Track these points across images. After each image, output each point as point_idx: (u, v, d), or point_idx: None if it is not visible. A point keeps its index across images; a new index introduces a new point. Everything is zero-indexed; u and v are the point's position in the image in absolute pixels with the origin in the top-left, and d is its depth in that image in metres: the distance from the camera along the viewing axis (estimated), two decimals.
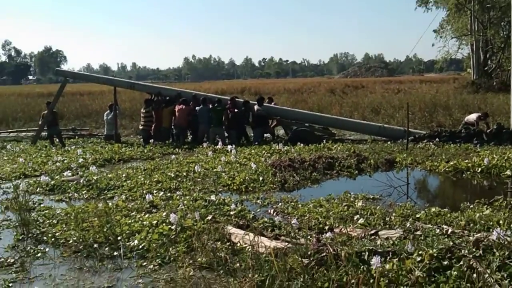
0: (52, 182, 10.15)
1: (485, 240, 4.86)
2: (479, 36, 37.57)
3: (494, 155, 11.04)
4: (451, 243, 4.88)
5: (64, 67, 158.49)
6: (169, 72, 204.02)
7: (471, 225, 6.16)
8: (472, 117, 15.54)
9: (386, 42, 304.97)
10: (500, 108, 19.80)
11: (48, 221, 7.28)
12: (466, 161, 10.76)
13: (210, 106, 16.47)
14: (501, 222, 6.10)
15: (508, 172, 9.88)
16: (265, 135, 16.82)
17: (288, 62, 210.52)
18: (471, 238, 5.07)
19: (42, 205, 8.47)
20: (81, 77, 27.69)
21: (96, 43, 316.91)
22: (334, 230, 6.10)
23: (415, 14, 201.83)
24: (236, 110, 16.39)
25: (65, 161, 12.95)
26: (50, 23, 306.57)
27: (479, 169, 10.24)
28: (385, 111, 21.57)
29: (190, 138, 17.20)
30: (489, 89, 32.46)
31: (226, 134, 16.32)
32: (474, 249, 4.71)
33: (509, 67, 36.44)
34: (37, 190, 9.80)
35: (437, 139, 14.13)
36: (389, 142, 14.68)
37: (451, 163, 10.68)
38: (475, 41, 37.91)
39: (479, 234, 5.21)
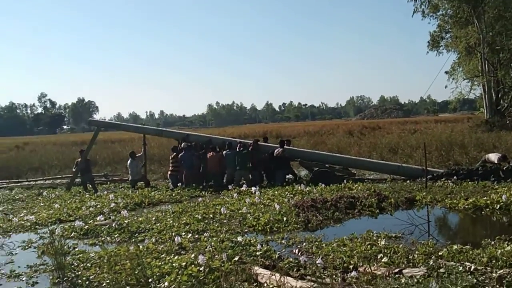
0: (86, 227, 10.20)
1: (508, 277, 4.74)
2: (490, 77, 37.41)
3: None
4: (475, 280, 4.77)
5: (96, 116, 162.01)
6: (195, 118, 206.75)
7: (493, 261, 5.99)
8: (493, 157, 15.19)
9: (400, 84, 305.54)
10: None
11: (82, 265, 7.28)
12: (485, 198, 10.55)
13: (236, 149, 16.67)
14: None
15: None
16: (287, 176, 16.77)
17: (307, 105, 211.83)
18: (494, 274, 4.94)
19: (76, 249, 8.50)
20: (112, 126, 28.04)
21: (126, 93, 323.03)
22: (359, 269, 5.99)
23: (428, 57, 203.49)
24: (262, 153, 16.61)
25: (98, 206, 13.05)
26: (83, 76, 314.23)
27: (498, 206, 10.00)
28: (403, 150, 21.38)
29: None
30: (502, 127, 32.07)
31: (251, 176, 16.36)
32: (497, 286, 4.59)
33: None
34: (72, 235, 9.84)
35: (455, 177, 13.92)
36: (408, 181, 14.52)
37: (470, 200, 10.48)
38: (487, 81, 37.72)
39: (502, 271, 5.08)
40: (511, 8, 34.67)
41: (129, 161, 18.34)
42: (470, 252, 6.47)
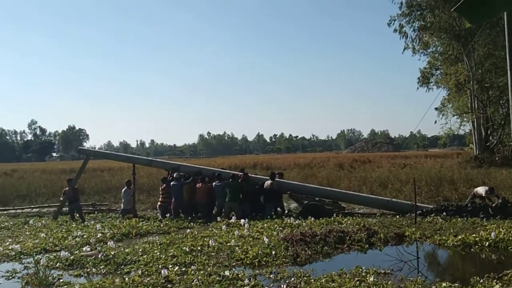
0: (72, 257, 10.05)
1: None
2: (480, 114, 37.90)
3: (501, 229, 10.83)
4: None
5: (86, 144, 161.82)
6: (185, 148, 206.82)
7: None
8: (481, 190, 15.30)
9: (391, 118, 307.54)
10: (504, 182, 19.64)
11: None
12: (474, 235, 10.54)
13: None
14: None
15: None
16: (277, 209, 16.71)
17: (298, 137, 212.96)
18: None
19: (61, 280, 8.34)
20: (102, 156, 27.89)
21: (116, 121, 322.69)
22: None
23: (418, 93, 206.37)
24: (252, 185, 16.65)
25: (85, 236, 12.89)
26: (73, 104, 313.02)
27: (487, 243, 10.00)
28: (392, 185, 21.44)
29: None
30: (491, 163, 32.33)
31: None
32: None
33: (510, 143, 36.53)
34: (57, 265, 9.67)
35: (444, 213, 13.93)
36: (397, 216, 14.51)
37: (459, 237, 10.47)
38: (476, 118, 38.21)
39: None
40: (500, 46, 35.36)
41: (124, 189, 18.27)
42: None
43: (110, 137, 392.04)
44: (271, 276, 8.10)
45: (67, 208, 18.24)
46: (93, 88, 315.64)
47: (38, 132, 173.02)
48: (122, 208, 18.19)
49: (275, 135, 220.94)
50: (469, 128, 42.90)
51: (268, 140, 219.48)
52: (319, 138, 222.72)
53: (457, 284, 6.73)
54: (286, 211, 17.12)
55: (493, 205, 14.01)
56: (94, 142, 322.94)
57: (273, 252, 9.64)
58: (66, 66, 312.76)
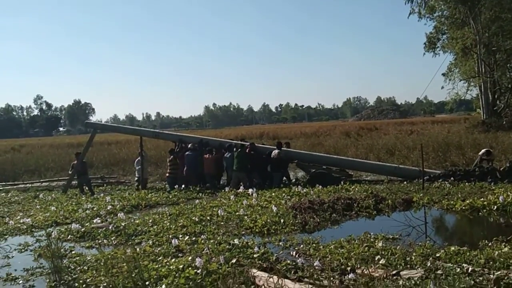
0: (83, 229, 10.18)
1: (505, 278, 4.74)
2: (487, 78, 37.53)
3: (509, 193, 10.80)
4: (472, 282, 4.77)
5: (93, 118, 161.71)
6: (191, 120, 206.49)
7: (491, 263, 5.99)
8: (481, 152, 15.44)
9: (397, 85, 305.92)
10: (511, 146, 19.55)
11: (79, 268, 7.25)
12: (482, 199, 10.55)
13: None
14: None
15: None
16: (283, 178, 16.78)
17: (304, 107, 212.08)
18: (491, 276, 4.94)
19: (73, 252, 8.46)
20: (109, 129, 27.99)
21: (122, 95, 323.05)
22: (356, 271, 5.98)
23: (424, 58, 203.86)
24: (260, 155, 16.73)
25: (95, 209, 13.02)
26: (78, 78, 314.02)
27: (495, 207, 10.02)
28: (400, 152, 21.42)
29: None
30: (499, 128, 32.18)
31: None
32: (495, 287, 4.59)
33: None
34: (69, 238, 9.80)
35: (452, 178, 13.94)
36: (405, 182, 14.53)
37: (467, 201, 10.49)
38: (483, 82, 37.85)
39: (499, 272, 5.08)
40: (507, 9, 34.78)
41: (137, 160, 18.82)
42: (467, 254, 6.47)
43: (116, 110, 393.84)
44: (280, 243, 8.17)
45: (76, 182, 18.41)
46: (99, 61, 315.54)
47: (44, 107, 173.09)
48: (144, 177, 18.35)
49: (280, 104, 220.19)
50: (476, 93, 42.60)
51: (274, 110, 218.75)
52: (325, 106, 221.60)
53: (465, 248, 6.75)
54: (294, 180, 17.19)
55: (501, 169, 13.99)
56: (100, 115, 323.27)
57: (282, 220, 9.71)
58: (70, 38, 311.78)
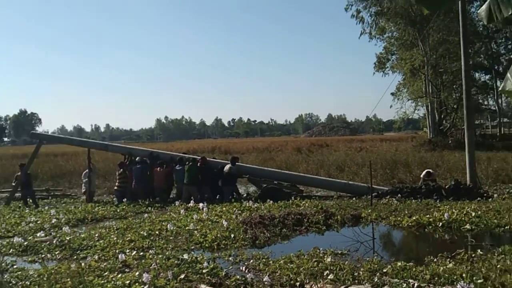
0: (25, 243, 9.82)
1: None
2: (434, 98, 38.84)
3: (454, 210, 11.17)
4: None
5: (39, 129, 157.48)
6: (142, 132, 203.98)
7: (436, 278, 6.14)
8: (423, 174, 15.99)
9: (347, 103, 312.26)
10: (456, 165, 20.22)
11: (21, 283, 6.95)
12: (428, 216, 10.83)
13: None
14: (464, 275, 6.10)
15: (467, 226, 9.95)
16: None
17: (256, 122, 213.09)
18: None
19: (15, 267, 8.12)
20: (55, 140, 27.27)
21: (70, 105, 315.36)
22: (305, 286, 6.01)
23: (374, 78, 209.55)
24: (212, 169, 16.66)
25: (39, 222, 12.61)
26: (25, 87, 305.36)
27: (440, 223, 10.29)
28: (349, 168, 21.78)
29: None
30: (445, 147, 33.29)
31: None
32: None
33: (462, 127, 37.59)
34: (10, 251, 9.44)
35: (399, 195, 14.26)
36: (354, 198, 14.77)
37: (414, 218, 10.74)
38: (430, 102, 39.15)
39: None
40: (454, 32, 36.24)
41: (84, 172, 18.27)
42: (413, 269, 6.60)
43: (64, 121, 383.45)
44: (230, 258, 8.10)
45: (20, 194, 17.81)
46: (46, 69, 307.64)
47: None
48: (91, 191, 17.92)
49: (233, 119, 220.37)
50: (423, 112, 44.00)
51: (226, 124, 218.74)
52: (278, 122, 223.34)
53: (411, 263, 6.89)
54: (245, 195, 17.19)
55: (446, 187, 14.42)
56: (47, 126, 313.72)
57: (232, 235, 9.66)
58: (17, 42, 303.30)
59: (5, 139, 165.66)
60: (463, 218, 10.38)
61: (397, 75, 43.73)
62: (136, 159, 17.54)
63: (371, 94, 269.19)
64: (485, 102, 45.00)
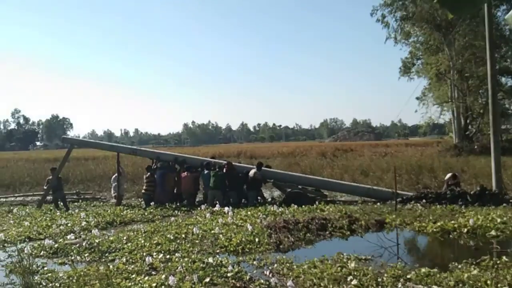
0: (56, 246, 9.99)
1: None
2: (459, 103, 38.25)
3: (479, 216, 10.98)
4: None
5: (70, 133, 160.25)
6: (170, 137, 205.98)
7: (460, 285, 6.06)
8: (447, 177, 15.70)
9: (372, 108, 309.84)
10: (482, 171, 19.86)
11: (51, 285, 7.12)
12: (452, 222, 10.67)
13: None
14: (488, 282, 6.01)
15: (492, 233, 9.78)
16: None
17: (281, 127, 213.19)
18: None
19: (45, 268, 8.29)
20: (86, 144, 27.68)
21: (101, 110, 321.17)
22: None
23: (399, 82, 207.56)
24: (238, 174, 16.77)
25: (69, 225, 12.80)
26: (57, 92, 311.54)
27: (465, 229, 10.13)
28: (374, 173, 21.60)
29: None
30: (471, 152, 32.74)
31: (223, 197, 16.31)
32: None
33: (488, 132, 36.91)
34: (41, 254, 9.61)
35: (424, 200, 14.09)
36: (378, 203, 14.64)
37: (438, 224, 10.60)
38: (456, 107, 38.57)
39: None
40: (480, 37, 35.66)
41: (113, 177, 18.57)
42: (437, 276, 6.53)
43: (94, 126, 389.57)
44: (254, 262, 8.12)
45: (51, 197, 18.13)
46: (78, 76, 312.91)
47: (21, 121, 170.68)
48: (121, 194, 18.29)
49: (258, 124, 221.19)
50: (449, 117, 43.29)
51: (251, 129, 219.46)
52: (302, 127, 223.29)
53: (435, 270, 6.81)
54: (270, 199, 17.18)
55: (472, 192, 14.19)
56: (78, 131, 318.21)
57: (257, 239, 9.67)
58: (50, 51, 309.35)
59: (38, 143, 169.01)
60: (488, 224, 10.20)
61: (422, 80, 43.29)
62: (158, 164, 17.71)
63: (396, 99, 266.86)
64: None
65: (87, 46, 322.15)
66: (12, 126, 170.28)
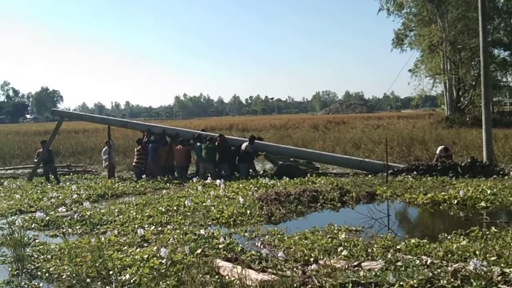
0: (47, 218, 10.00)
1: (462, 271, 4.84)
2: (452, 75, 38.24)
3: (469, 188, 11.07)
4: (431, 273, 4.86)
5: (60, 106, 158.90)
6: (161, 110, 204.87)
7: (449, 255, 6.12)
8: (438, 150, 15.76)
9: (365, 80, 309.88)
10: (473, 142, 20.00)
11: (42, 257, 7.15)
12: (443, 193, 10.76)
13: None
14: (477, 252, 6.07)
15: (482, 204, 9.88)
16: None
17: (274, 99, 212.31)
18: (449, 268, 5.04)
19: (37, 241, 8.33)
20: (76, 117, 27.50)
21: (91, 83, 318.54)
22: (319, 262, 6.04)
23: (392, 54, 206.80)
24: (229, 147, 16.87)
25: (60, 197, 12.81)
26: (47, 64, 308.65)
27: (455, 201, 10.23)
28: (365, 145, 21.68)
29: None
30: (462, 124, 32.90)
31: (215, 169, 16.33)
32: (452, 279, 4.69)
33: (480, 104, 37.03)
34: (32, 226, 9.64)
35: (414, 172, 14.18)
36: (369, 176, 14.73)
37: (429, 195, 10.69)
38: (448, 79, 38.57)
39: (457, 265, 5.19)
40: (473, 8, 35.47)
41: (104, 149, 18.56)
42: (427, 246, 6.60)
43: (85, 99, 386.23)
44: (246, 234, 8.18)
45: (42, 170, 18.08)
46: (68, 48, 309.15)
47: (11, 93, 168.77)
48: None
49: (251, 97, 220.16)
50: (441, 89, 43.37)
51: (244, 102, 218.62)
52: (295, 100, 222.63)
53: (425, 240, 6.88)
54: (261, 172, 17.24)
55: (462, 164, 14.29)
56: (69, 103, 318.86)
57: (248, 212, 9.73)
58: (38, 23, 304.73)
59: (28, 116, 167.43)
60: (478, 196, 10.30)
61: (415, 52, 43.14)
62: (151, 137, 17.64)
63: (388, 71, 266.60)
64: (504, 79, 44.09)
65: (76, 14, 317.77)
66: (2, 99, 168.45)
